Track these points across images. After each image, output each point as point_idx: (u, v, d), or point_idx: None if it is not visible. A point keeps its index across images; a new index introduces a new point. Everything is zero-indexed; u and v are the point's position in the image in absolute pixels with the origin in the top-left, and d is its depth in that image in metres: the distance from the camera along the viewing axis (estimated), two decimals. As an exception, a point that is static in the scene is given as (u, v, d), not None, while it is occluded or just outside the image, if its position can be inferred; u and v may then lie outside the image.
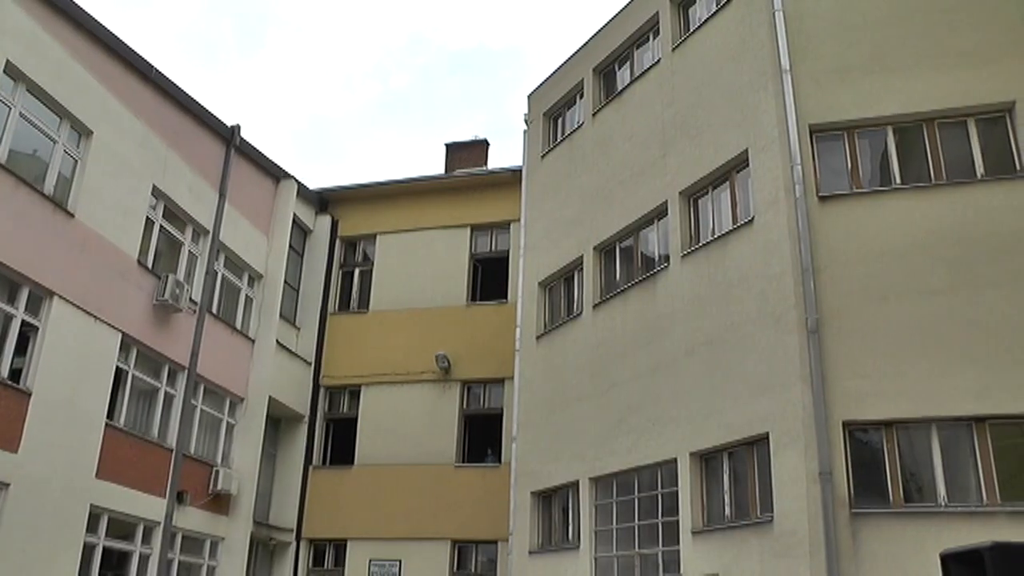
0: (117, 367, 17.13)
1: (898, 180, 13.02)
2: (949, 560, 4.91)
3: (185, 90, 19.46)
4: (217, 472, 19.65)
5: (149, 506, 17.74)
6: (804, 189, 13.04)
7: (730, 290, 13.99)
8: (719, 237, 14.53)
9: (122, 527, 17.24)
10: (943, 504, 11.37)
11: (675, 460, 14.30)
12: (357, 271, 24.63)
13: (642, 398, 15.34)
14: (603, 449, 16.01)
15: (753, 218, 13.82)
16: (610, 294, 17.03)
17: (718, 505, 13.68)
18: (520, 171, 21.48)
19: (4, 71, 14.75)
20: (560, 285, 19.00)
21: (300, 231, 24.07)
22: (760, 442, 12.89)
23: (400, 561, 21.07)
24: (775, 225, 13.29)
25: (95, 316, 16.42)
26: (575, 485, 16.70)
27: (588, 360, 17.06)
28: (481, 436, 21.83)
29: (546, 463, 17.67)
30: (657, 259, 16.21)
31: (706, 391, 13.97)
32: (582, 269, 18.03)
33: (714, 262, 14.49)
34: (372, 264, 24.31)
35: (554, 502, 17.72)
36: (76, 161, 16.50)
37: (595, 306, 17.33)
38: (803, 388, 12.18)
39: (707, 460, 14.00)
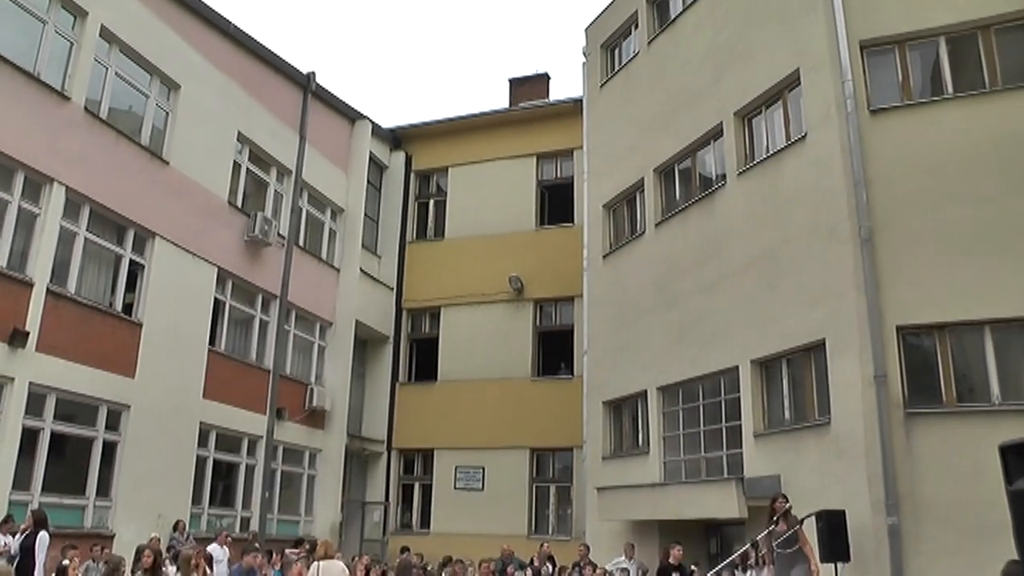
0: (215, 298, 17.80)
1: (950, 89, 12.45)
2: (1008, 451, 4.78)
3: (261, 42, 19.68)
4: (312, 390, 20.30)
5: (252, 422, 18.52)
6: (855, 104, 12.57)
7: (784, 205, 13.69)
8: (773, 155, 14.16)
9: (229, 441, 18.07)
10: (996, 402, 11.11)
11: (736, 368, 14.23)
12: (431, 202, 24.83)
13: (704, 310, 15.24)
14: (668, 360, 16.01)
15: (805, 135, 13.42)
16: (670, 213, 16.81)
17: (778, 409, 13.62)
18: (581, 101, 21.16)
19: (100, 35, 15.13)
20: (623, 206, 18.82)
21: (376, 167, 24.25)
22: (817, 348, 12.72)
23: (483, 468, 21.61)
24: (827, 140, 12.89)
25: (193, 253, 16.98)
26: (643, 394, 16.77)
27: (652, 276, 16.97)
28: (554, 351, 22.03)
29: (616, 375, 17.77)
30: (714, 178, 15.91)
31: (764, 302, 13.80)
32: (643, 191, 17.80)
33: (768, 179, 14.17)
34: (445, 195, 24.49)
35: (624, 411, 17.85)
36: (167, 113, 16.90)
37: (656, 225, 17.15)
38: (857, 296, 11.93)
39: (767, 367, 13.89)
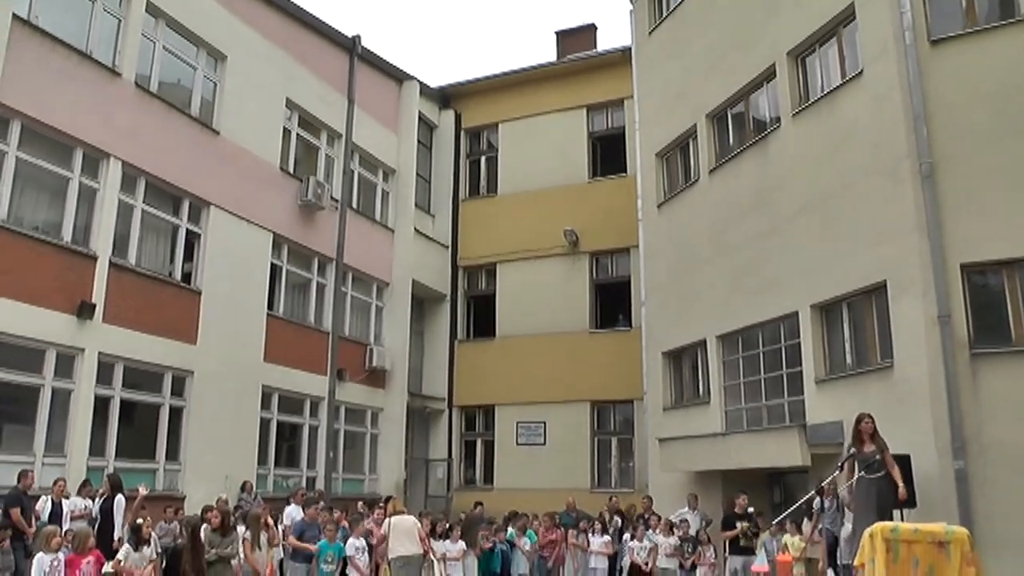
0: (272, 263, 18.09)
1: (1022, 11, 11.83)
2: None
3: (305, 8, 19.68)
4: (371, 350, 20.57)
5: (313, 383, 18.87)
6: (914, 35, 12.08)
7: (841, 145, 13.31)
8: (828, 94, 13.72)
9: (292, 403, 18.47)
10: (1068, 340, 10.78)
11: (796, 313, 13.99)
12: (483, 159, 24.77)
13: (761, 256, 14.98)
14: (727, 307, 15.82)
15: (862, 71, 12.96)
16: (724, 159, 16.50)
17: (839, 354, 13.38)
18: (629, 50, 20.78)
19: (146, 10, 15.33)
20: (676, 154, 18.52)
21: (426, 127, 24.23)
22: (878, 290, 12.41)
23: (544, 422, 21.73)
24: (884, 75, 12.44)
25: (247, 220, 17.24)
26: (703, 344, 16.63)
27: (708, 224, 16.72)
28: (611, 303, 21.94)
29: (674, 324, 17.64)
30: (768, 121, 15.52)
31: (823, 245, 13.50)
32: (696, 137, 17.48)
33: (824, 119, 13.77)
34: (496, 151, 24.40)
35: (684, 361, 17.75)
36: (215, 84, 17.09)
37: (711, 172, 16.85)
38: (919, 234, 11.57)
39: (827, 311, 13.63)
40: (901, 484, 9.47)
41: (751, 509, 13.11)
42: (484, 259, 23.60)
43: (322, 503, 13.77)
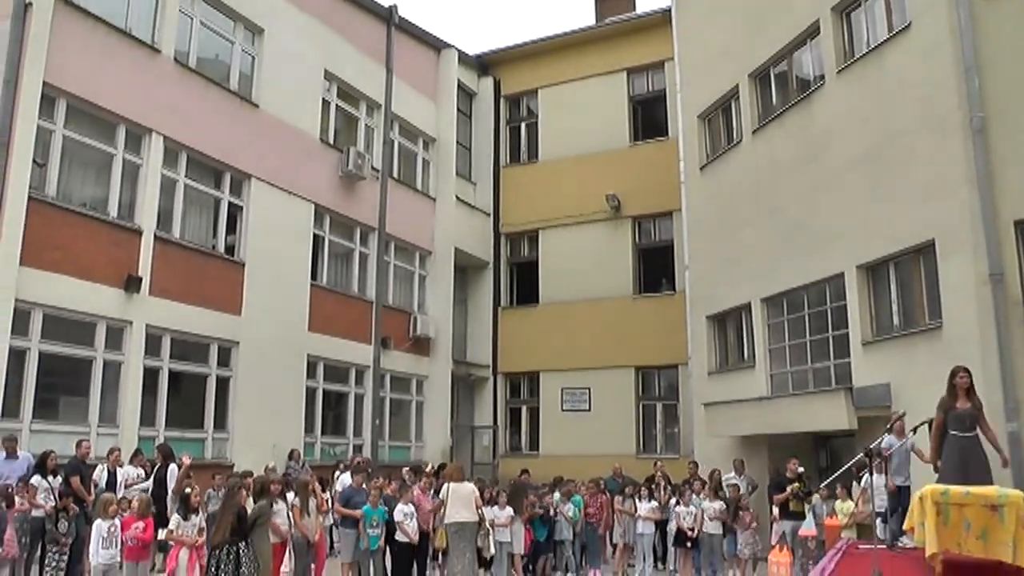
0: (314, 234, 18.18)
1: (1077, -44, 11.35)
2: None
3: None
4: (415, 319, 20.66)
5: (358, 352, 19.03)
6: (966, -17, 11.67)
7: (888, 100, 12.93)
8: (875, 48, 13.32)
9: (337, 372, 18.65)
10: None
11: (842, 275, 13.73)
12: (523, 125, 24.56)
13: (806, 217, 14.70)
14: (771, 270, 15.58)
15: (910, 23, 12.55)
16: (768, 119, 16.17)
17: (886, 315, 13.11)
18: (669, 11, 20.37)
19: (182, -16, 15.35)
20: (718, 116, 18.19)
21: (465, 95, 24.07)
22: (926, 249, 12.11)
23: (589, 389, 21.67)
24: (934, 27, 12.03)
25: (289, 191, 17.33)
26: (747, 307, 16.43)
27: (751, 185, 16.45)
28: (655, 267, 21.72)
29: (718, 288, 17.44)
30: (812, 79, 15.16)
31: (869, 204, 13.20)
32: (738, 98, 17.15)
33: (870, 74, 13.38)
34: (536, 117, 24.16)
35: (728, 324, 17.55)
36: (253, 58, 17.14)
37: (754, 132, 16.55)
38: (970, 190, 11.24)
39: (873, 272, 13.34)
40: (1004, 450, 8.82)
41: (801, 470, 12.93)
42: (526, 226, 23.49)
43: (370, 470, 13.89)
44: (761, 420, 15.17)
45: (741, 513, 12.91)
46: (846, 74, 13.94)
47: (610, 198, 21.76)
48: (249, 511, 9.48)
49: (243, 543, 8.74)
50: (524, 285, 23.70)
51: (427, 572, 12.10)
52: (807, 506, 12.46)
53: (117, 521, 9.12)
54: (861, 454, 10.52)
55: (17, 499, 10.22)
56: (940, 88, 11.87)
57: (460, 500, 11.31)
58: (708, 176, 18.23)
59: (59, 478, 11.11)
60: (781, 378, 15.46)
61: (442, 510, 11.40)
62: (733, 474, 14.42)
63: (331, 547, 12.14)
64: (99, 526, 9.04)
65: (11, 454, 11.22)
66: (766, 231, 15.76)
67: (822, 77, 14.64)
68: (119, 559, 9.03)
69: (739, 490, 13.57)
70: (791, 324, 15.32)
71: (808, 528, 12.17)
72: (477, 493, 11.56)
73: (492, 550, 11.66)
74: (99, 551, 8.94)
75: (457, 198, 22.50)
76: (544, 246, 23.17)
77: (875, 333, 13.17)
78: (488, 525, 11.71)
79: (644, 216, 21.92)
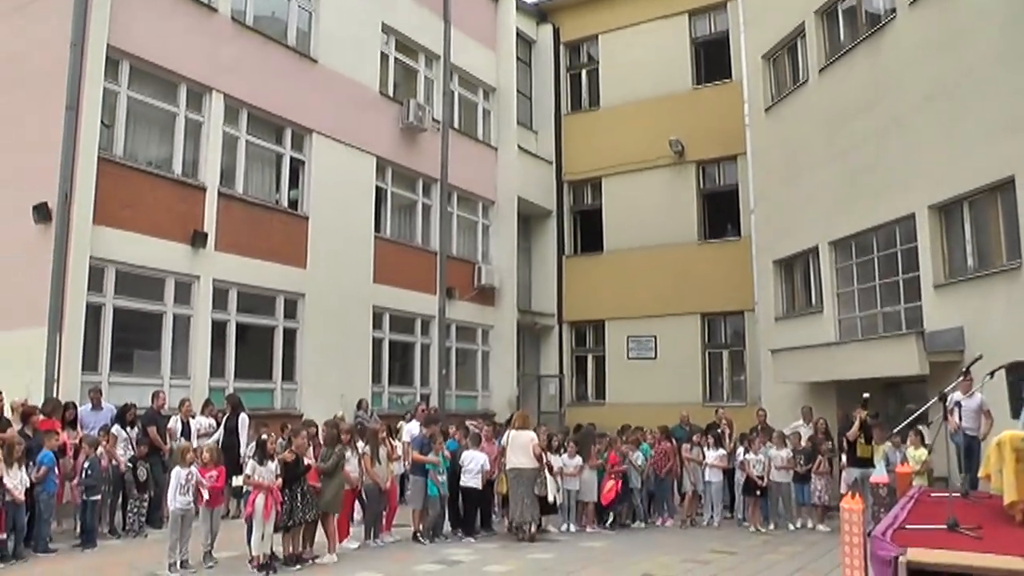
0: (376, 186, 18.20)
1: None
2: None
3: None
4: (479, 268, 20.65)
5: (423, 303, 19.12)
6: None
7: (964, 33, 12.26)
8: (951, -25, 12.66)
9: (402, 322, 18.79)
10: None
11: (912, 216, 13.21)
12: (584, 72, 24.07)
13: (875, 157, 14.15)
14: (839, 212, 15.10)
15: (990, -53, 11.86)
16: (835, 57, 15.54)
17: (960, 257, 12.59)
18: (732, -52, 19.69)
19: (238, -55, 15.34)
20: (784, 55, 17.56)
21: (524, 43, 23.69)
22: (1004, 187, 11.54)
23: (655, 336, 21.45)
24: (1014, -50, 11.34)
25: (350, 145, 17.35)
26: (814, 250, 15.99)
27: (818, 126, 15.90)
28: (719, 213, 21.23)
29: (784, 232, 17.00)
30: (882, 13, 14.47)
31: (942, 141, 12.62)
32: (804, 36, 16.51)
33: (944, 5, 12.70)
34: (597, 64, 23.66)
35: (795, 269, 17.13)
36: (310, 13, 17.07)
37: (821, 71, 15.94)
38: (1051, 124, 10.66)
39: (946, 212, 12.80)
40: None
41: (867, 395, 12.46)
42: (589, 173, 23.15)
43: (438, 419, 13.98)
44: (829, 366, 14.81)
45: (821, 457, 12.66)
46: (919, 6, 13.26)
47: (673, 143, 21.27)
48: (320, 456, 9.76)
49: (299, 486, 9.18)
50: (588, 233, 23.45)
51: (491, 517, 12.20)
52: (877, 453, 12.14)
53: (193, 469, 9.38)
54: (935, 398, 10.20)
55: (100, 448, 10.57)
56: (1021, 16, 11.20)
57: (519, 447, 11.43)
58: (773, 118, 17.69)
59: (136, 429, 11.48)
60: (850, 323, 15.05)
61: (504, 457, 11.51)
62: (801, 422, 14.14)
63: (401, 495, 12.28)
64: (177, 473, 9.33)
65: (96, 405, 11.66)
66: (833, 173, 15.25)
67: (893, 11, 13.96)
68: (194, 506, 9.30)
69: (804, 438, 13.30)
70: (860, 268, 14.88)
71: (880, 475, 11.83)
72: (536, 441, 11.57)
73: (552, 496, 11.67)
74: (176, 497, 9.23)
75: (519, 147, 22.27)
76: (607, 193, 22.83)
77: (948, 275, 12.68)
78: (548, 472, 11.71)
79: (708, 161, 21.40)
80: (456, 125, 20.76)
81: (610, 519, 12.63)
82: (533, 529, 11.32)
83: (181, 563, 8.96)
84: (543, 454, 11.71)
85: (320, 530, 9.79)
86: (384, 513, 11.07)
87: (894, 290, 13.94)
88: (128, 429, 11.35)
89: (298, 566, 9.10)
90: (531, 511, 11.28)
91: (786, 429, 13.67)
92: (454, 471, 11.52)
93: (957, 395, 9.45)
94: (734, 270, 19.46)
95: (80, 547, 9.91)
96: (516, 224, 21.87)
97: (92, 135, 12.51)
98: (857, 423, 12.13)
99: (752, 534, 12.05)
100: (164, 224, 13.56)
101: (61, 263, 12.05)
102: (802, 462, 12.81)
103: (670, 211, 21.45)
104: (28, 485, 9.40)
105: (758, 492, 12.66)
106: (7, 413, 10.43)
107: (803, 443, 13.18)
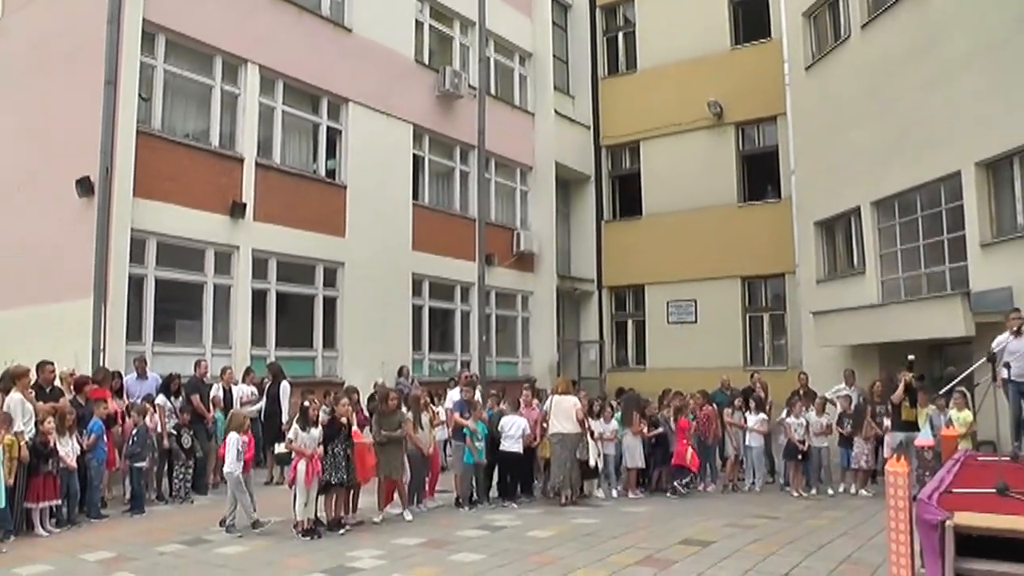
0: (414, 154, 18.07)
1: None
2: None
3: None
4: (518, 235, 20.51)
5: (462, 270, 19.06)
6: None
7: (1015, -19, 11.76)
8: (999, -79, 12.11)
9: (442, 289, 18.75)
10: None
11: (958, 173, 12.76)
12: (620, 35, 23.60)
13: (920, 114, 13.68)
14: (882, 171, 14.66)
15: None
16: (878, 11, 15.00)
17: (1008, 215, 12.14)
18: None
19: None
20: (824, 11, 17.03)
21: (560, 7, 23.30)
22: (1054, 141, 11.11)
23: (695, 301, 21.17)
24: None
25: (386, 113, 17.23)
26: (856, 211, 15.58)
27: (860, 83, 15.41)
28: (759, 174, 20.78)
29: (826, 192, 16.58)
30: (927, -37, 13.94)
31: (989, 96, 12.12)
32: (846, -11, 16.01)
33: (995, -48, 12.18)
34: (633, 26, 23.16)
35: (837, 230, 16.73)
36: (344, -18, 16.89)
37: (863, 27, 15.42)
38: (1104, 76, 10.18)
39: (993, 169, 12.34)
40: None
41: (912, 358, 12.13)
42: (627, 137, 22.77)
43: (479, 385, 13.94)
44: (872, 328, 14.47)
45: (867, 421, 12.37)
46: (965, -44, 12.73)
47: (712, 105, 20.82)
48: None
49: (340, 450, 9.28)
50: (626, 197, 23.12)
51: (532, 482, 12.12)
52: (921, 416, 11.83)
53: (246, 437, 9.50)
54: (982, 360, 9.90)
55: (147, 417, 10.67)
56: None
57: (562, 412, 11.32)
58: (814, 77, 17.20)
59: (180, 398, 11.57)
60: (893, 284, 14.67)
61: (546, 422, 11.42)
62: (844, 385, 13.84)
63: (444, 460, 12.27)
64: (233, 439, 9.41)
65: (141, 374, 11.75)
66: (876, 131, 14.79)
67: (939, -39, 13.43)
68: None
69: (850, 401, 13.01)
70: (903, 228, 14.46)
71: (925, 438, 11.53)
72: (579, 406, 11.46)
73: (593, 461, 11.57)
74: (234, 461, 9.31)
75: (556, 112, 21.98)
76: (646, 157, 22.46)
77: (995, 234, 12.25)
78: (593, 438, 11.61)
79: (747, 122, 20.91)
80: (492, 91, 20.53)
81: (686, 479, 12.39)
82: (574, 494, 11.26)
83: (230, 525, 9.07)
84: (585, 419, 11.61)
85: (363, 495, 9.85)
86: (427, 479, 11.07)
87: (938, 250, 13.53)
88: (173, 399, 11.46)
89: (341, 530, 9.10)
90: (573, 477, 11.21)
91: (828, 393, 13.39)
92: (494, 437, 11.45)
93: (1004, 336, 9.13)
94: (774, 232, 19.09)
95: (129, 513, 10.03)
96: (554, 190, 21.65)
97: (130, 109, 12.58)
98: (901, 386, 11.79)
99: (794, 499, 11.84)
100: (203, 195, 13.60)
101: (104, 236, 12.19)
102: (848, 426, 12.53)
103: (709, 174, 21.05)
104: (79, 453, 9.53)
105: (800, 456, 12.43)
106: (57, 383, 10.57)
107: (852, 407, 12.89)
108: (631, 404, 12.88)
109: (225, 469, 9.46)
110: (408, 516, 9.90)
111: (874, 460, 12.20)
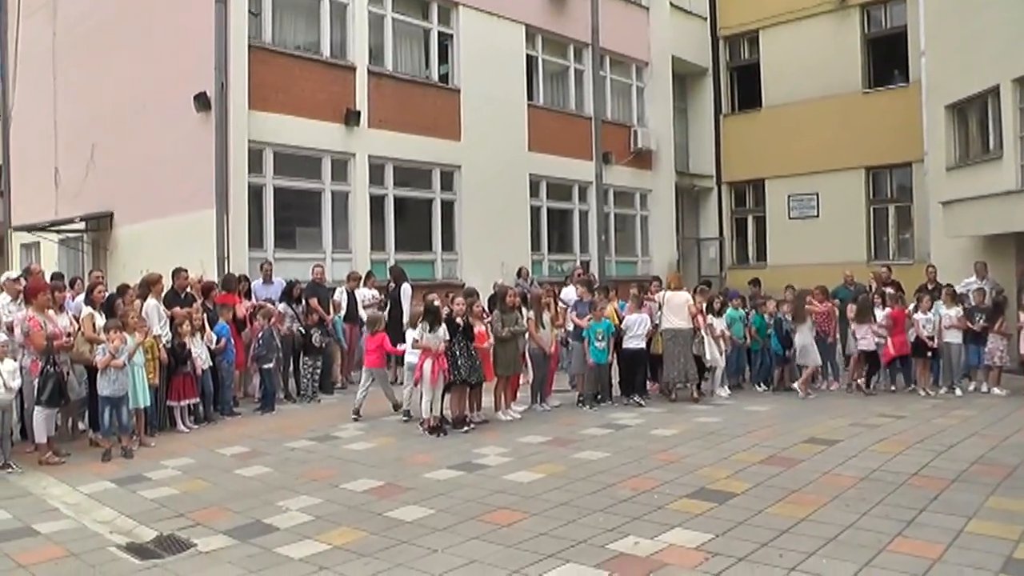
0: (527, 55, 17.32)
1: None
2: None
3: None
4: (635, 132, 19.57)
5: (579, 169, 18.34)
6: None
7: None
8: None
9: (559, 190, 18.16)
10: None
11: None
12: (738, -82, 21.67)
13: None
14: (1022, 46, 12.91)
15: None
16: None
17: None
18: None
19: None
20: None
21: None
22: None
23: (817, 194, 19.80)
24: None
25: (498, 15, 16.51)
26: (994, 90, 13.82)
27: (1001, -52, 13.52)
28: (886, 58, 18.93)
29: (959, 73, 14.80)
30: None
31: None
32: None
33: None
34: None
35: (970, 113, 14.99)
36: None
37: None
38: None
39: None
40: None
41: None
42: (745, 26, 21.11)
43: (593, 283, 13.41)
44: (1008, 217, 12.98)
45: (1003, 316, 11.19)
46: None
47: (836, -14, 18.97)
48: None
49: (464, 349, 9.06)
50: (746, 90, 21.59)
51: (647, 378, 11.64)
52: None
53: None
54: None
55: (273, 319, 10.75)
56: None
57: (674, 308, 10.80)
58: (949, -55, 15.24)
59: (302, 304, 11.58)
60: (1032, 164, 13.07)
61: (659, 316, 10.91)
62: (975, 278, 12.56)
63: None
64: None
65: (267, 279, 11.86)
66: (1017, 1, 12.96)
67: None
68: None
69: (984, 294, 11.78)
70: (1047, 107, 12.77)
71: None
72: (691, 302, 10.86)
73: (709, 356, 11.00)
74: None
75: (671, 4, 20.55)
76: (765, 46, 20.80)
77: None
78: (708, 335, 11.02)
79: (873, 3, 18.93)
80: (605, -14, 19.32)
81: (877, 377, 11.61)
82: (692, 391, 10.82)
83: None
84: (701, 315, 11.02)
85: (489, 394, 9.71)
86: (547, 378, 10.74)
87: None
88: (294, 305, 11.46)
89: (466, 428, 8.92)
90: (687, 372, 10.71)
91: (958, 287, 12.18)
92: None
93: None
94: (901, 119, 17.39)
95: (260, 411, 10.21)
96: (671, 85, 20.46)
97: (241, 24, 12.45)
98: None
99: (922, 398, 10.91)
100: (316, 105, 13.40)
101: (223, 148, 12.24)
102: (981, 320, 11.35)
103: (833, 60, 19.32)
104: (209, 354, 9.66)
105: (928, 353, 11.39)
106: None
107: (986, 300, 11.68)
108: (802, 300, 12.04)
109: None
110: (516, 414, 9.66)
111: (1007, 357, 11.08)
